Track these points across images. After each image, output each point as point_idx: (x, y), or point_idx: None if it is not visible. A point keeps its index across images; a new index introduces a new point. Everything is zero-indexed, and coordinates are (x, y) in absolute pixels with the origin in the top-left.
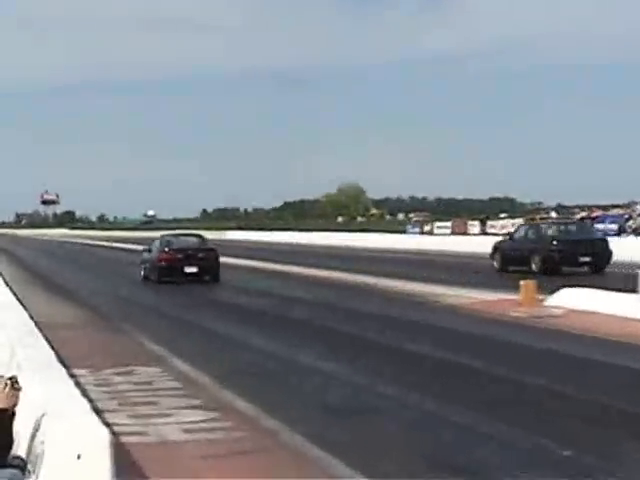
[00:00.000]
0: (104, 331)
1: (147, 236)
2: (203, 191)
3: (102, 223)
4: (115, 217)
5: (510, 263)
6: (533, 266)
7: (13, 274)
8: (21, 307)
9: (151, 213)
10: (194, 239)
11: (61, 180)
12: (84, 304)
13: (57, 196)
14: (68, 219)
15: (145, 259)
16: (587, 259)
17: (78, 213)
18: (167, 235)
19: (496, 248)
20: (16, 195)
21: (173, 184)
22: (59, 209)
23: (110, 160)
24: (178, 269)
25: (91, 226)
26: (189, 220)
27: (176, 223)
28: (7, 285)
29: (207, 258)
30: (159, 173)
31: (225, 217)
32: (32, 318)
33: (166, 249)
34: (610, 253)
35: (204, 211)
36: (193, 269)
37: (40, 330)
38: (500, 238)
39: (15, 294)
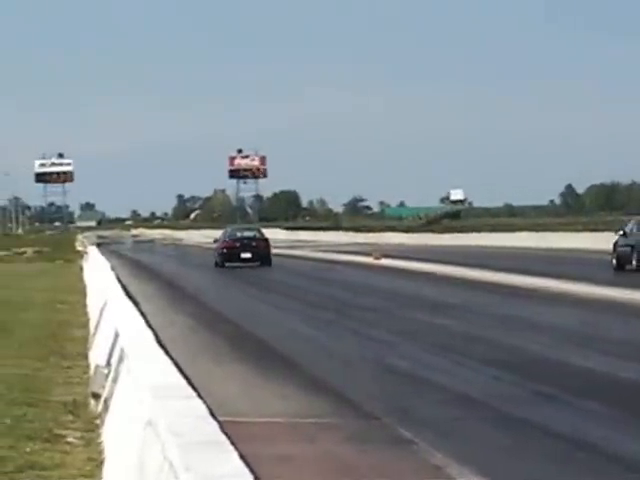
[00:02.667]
0: (361, 442)
1: (454, 250)
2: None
3: (355, 216)
4: (381, 204)
5: None
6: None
7: (173, 325)
8: (191, 392)
9: (458, 196)
10: (251, 232)
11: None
12: (314, 382)
13: (262, 161)
14: (284, 208)
15: (215, 248)
16: None
17: (304, 197)
18: (230, 229)
19: None
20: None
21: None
22: (265, 188)
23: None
24: (236, 255)
25: (334, 224)
26: (535, 208)
27: (507, 212)
28: (164, 351)
29: (259, 246)
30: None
31: (605, 201)
32: (213, 415)
33: (227, 239)
34: None
35: (571, 188)
36: (248, 255)
37: (230, 441)
38: None
39: (180, 369)
